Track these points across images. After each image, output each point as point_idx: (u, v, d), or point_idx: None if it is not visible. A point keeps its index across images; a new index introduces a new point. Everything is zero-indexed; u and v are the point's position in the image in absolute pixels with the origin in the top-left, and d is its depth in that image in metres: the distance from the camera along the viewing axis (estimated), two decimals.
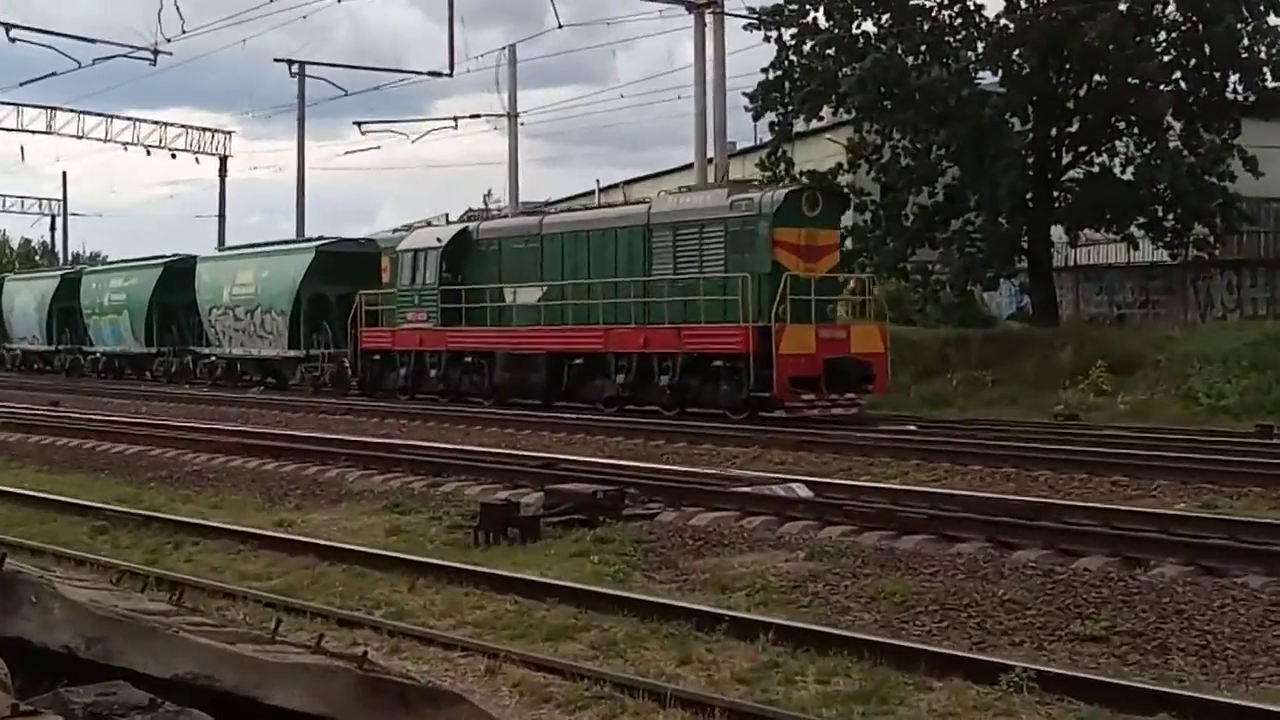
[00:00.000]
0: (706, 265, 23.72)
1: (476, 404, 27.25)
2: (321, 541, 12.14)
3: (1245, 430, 21.08)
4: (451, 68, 31.30)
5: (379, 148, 59.83)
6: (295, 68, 45.17)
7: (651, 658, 8.29)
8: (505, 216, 34.00)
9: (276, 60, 45.45)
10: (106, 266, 48.76)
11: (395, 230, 37.72)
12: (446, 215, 56.10)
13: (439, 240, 28.92)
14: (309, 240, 38.22)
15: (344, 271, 32.93)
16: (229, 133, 58.34)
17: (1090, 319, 36.12)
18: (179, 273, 39.90)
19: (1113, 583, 9.48)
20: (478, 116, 43.93)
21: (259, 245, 39.81)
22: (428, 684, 6.46)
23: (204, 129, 57.48)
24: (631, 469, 15.88)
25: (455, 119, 45.41)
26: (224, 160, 57.28)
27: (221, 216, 57.68)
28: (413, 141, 45.56)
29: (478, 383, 27.89)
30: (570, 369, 25.76)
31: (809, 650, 8.15)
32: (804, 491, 13.75)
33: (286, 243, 39.01)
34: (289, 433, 22.20)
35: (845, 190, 26.12)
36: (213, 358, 37.98)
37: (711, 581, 10.54)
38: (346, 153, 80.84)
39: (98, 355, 44.64)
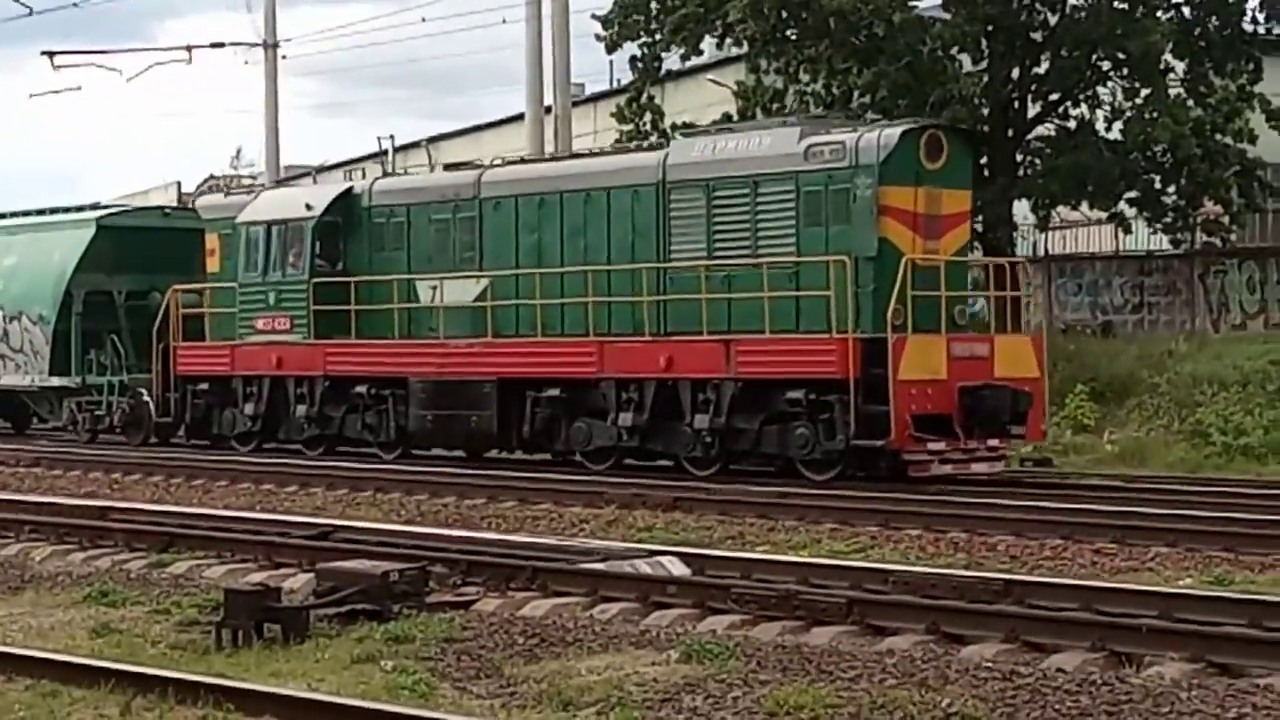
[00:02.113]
0: (764, 244, 21.97)
1: (372, 457, 25.50)
2: None
3: (1272, 478, 21.63)
4: None
5: (79, 88, 58.84)
6: None
7: None
8: (409, 175, 30.09)
9: None
10: None
11: (227, 191, 34.15)
12: (179, 183, 55.84)
13: (309, 207, 26.82)
14: (82, 209, 35.02)
15: (140, 257, 30.72)
16: None
17: (1066, 328, 36.59)
18: None
19: (1095, 688, 9.66)
20: (221, 46, 43.51)
21: (9, 215, 36.41)
22: None
23: None
24: (438, 539, 15.74)
25: (189, 49, 44.87)
26: None
27: None
28: (128, 80, 44.75)
29: (376, 425, 25.76)
30: (536, 405, 23.91)
31: None
32: (678, 568, 13.74)
33: (46, 212, 35.69)
34: None
35: (977, 129, 24.04)
36: None
37: (548, 694, 10.51)
38: (33, 95, 79.28)
39: None
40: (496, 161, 26.94)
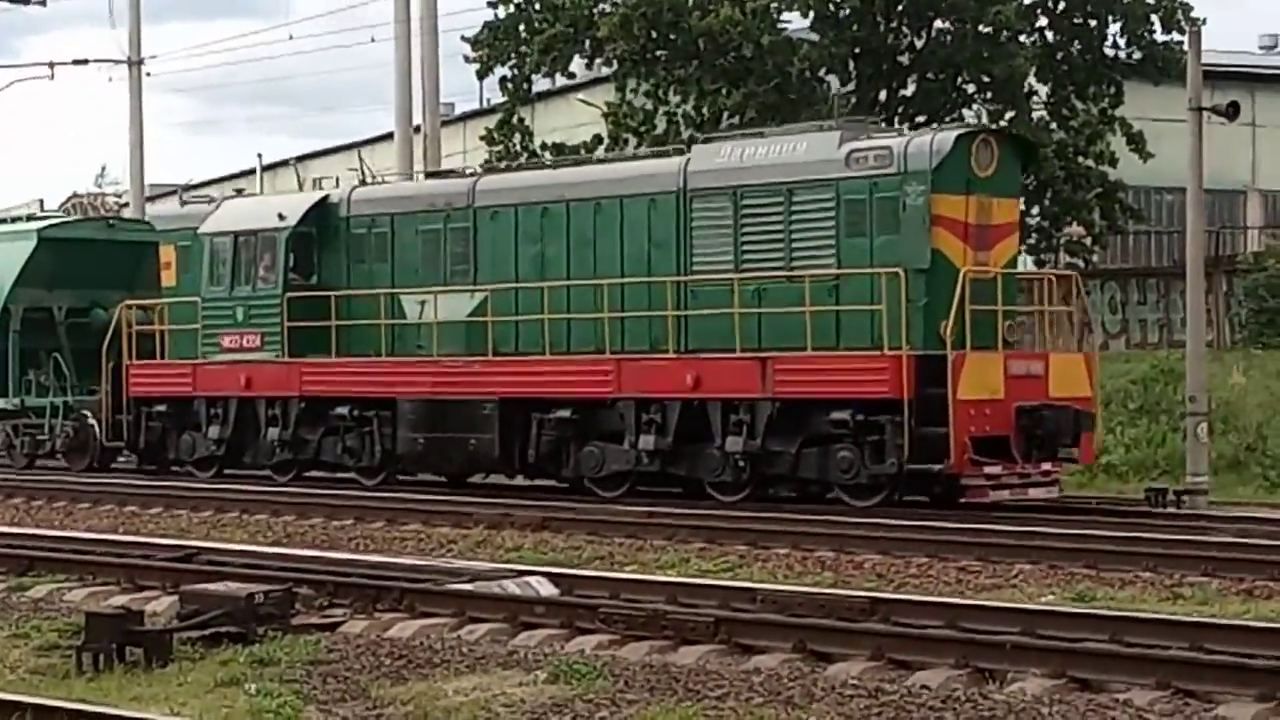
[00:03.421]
0: (800, 255, 20.64)
1: (350, 483, 24.15)
2: None
3: (1133, 496, 21.89)
4: None
5: None
6: None
7: None
8: (390, 183, 28.44)
9: None
10: None
11: (184, 200, 32.28)
12: (41, 201, 55.09)
13: (282, 217, 25.12)
14: (19, 219, 33.43)
15: (85, 271, 29.03)
16: None
17: None
18: None
19: (959, 704, 9.73)
20: (85, 63, 43.01)
21: None
22: None
23: None
24: (305, 561, 15.66)
25: (51, 65, 44.37)
26: None
27: None
28: None
29: (357, 448, 24.18)
30: (543, 427, 22.43)
31: None
32: (546, 588, 13.72)
33: None
34: None
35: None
36: None
37: (416, 716, 10.46)
38: None
39: None
40: (479, 171, 26.34)
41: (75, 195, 57.99)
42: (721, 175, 21.16)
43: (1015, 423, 19.21)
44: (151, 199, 42.10)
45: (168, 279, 26.34)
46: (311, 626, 12.52)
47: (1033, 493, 19.72)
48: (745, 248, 20.90)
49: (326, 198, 25.47)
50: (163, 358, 26.20)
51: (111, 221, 33.26)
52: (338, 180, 27.95)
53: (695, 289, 21.21)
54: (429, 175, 28.98)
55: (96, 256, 29.07)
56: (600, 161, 25.25)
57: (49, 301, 28.94)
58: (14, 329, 28.69)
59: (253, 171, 56.31)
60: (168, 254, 26.44)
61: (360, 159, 29.00)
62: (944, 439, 18.69)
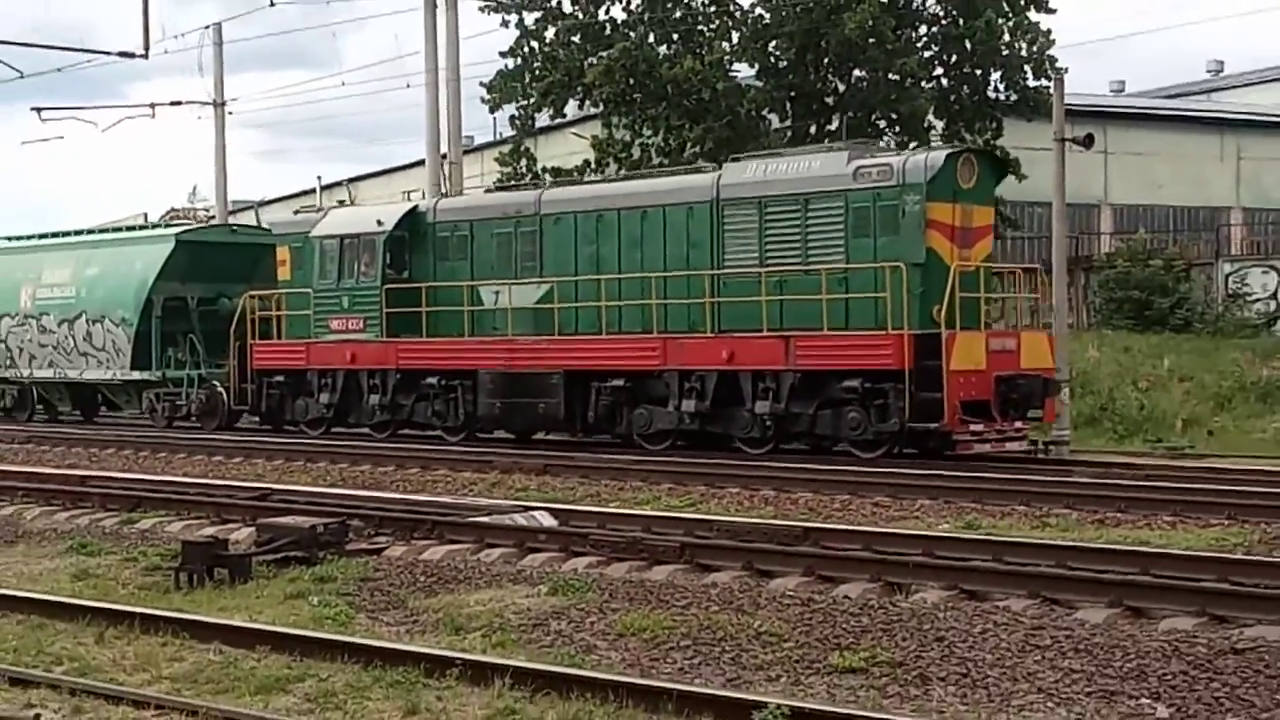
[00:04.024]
0: (814, 253, 20.10)
1: (436, 439, 23.29)
2: None
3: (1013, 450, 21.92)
4: (147, 48, 30.14)
5: (62, 138, 57.90)
6: None
7: (374, 709, 8.18)
8: (468, 195, 28.23)
9: None
10: None
11: (298, 210, 30.79)
12: (145, 214, 54.74)
13: (380, 224, 24.51)
14: (162, 226, 33.05)
15: (212, 268, 28.39)
16: None
17: None
18: None
19: (873, 610, 9.77)
20: (179, 104, 42.74)
21: (76, 233, 33.50)
22: None
23: None
24: (356, 499, 15.66)
25: (152, 106, 44.03)
26: None
27: None
28: (103, 131, 43.93)
29: (444, 411, 23.47)
30: (600, 393, 21.87)
31: (549, 694, 8.15)
32: (547, 520, 13.76)
33: (125, 229, 33.82)
34: None
35: (1004, 153, 21.45)
36: None
37: (444, 621, 10.47)
38: (24, 143, 77.81)
39: None
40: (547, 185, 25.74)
41: (172, 209, 57.61)
42: (748, 188, 20.77)
43: (995, 389, 18.99)
44: (233, 213, 41.79)
45: (283, 274, 25.79)
46: (361, 551, 12.57)
47: (1009, 446, 19.45)
48: (768, 246, 20.46)
49: (416, 207, 24.95)
50: (279, 338, 25.67)
51: (233, 228, 32.61)
52: (421, 193, 28.02)
53: (727, 280, 20.77)
54: (500, 189, 28.45)
55: (221, 256, 28.53)
56: (645, 177, 24.53)
57: (183, 292, 28.39)
58: (156, 315, 28.12)
59: (312, 191, 55.89)
60: (283, 253, 25.84)
61: (349, 190, 28.51)
62: (939, 403, 18.44)
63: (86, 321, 29.17)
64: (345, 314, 24.40)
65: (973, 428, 18.82)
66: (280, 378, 25.39)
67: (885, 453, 19.03)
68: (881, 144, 25.49)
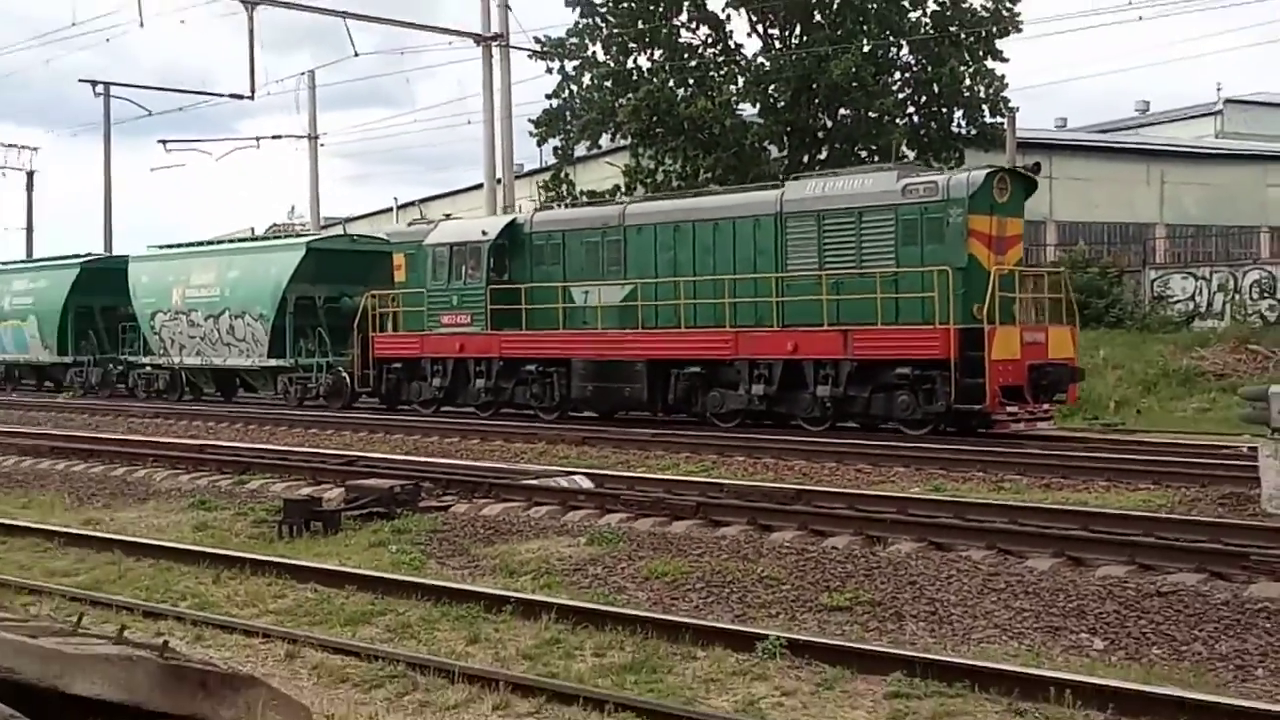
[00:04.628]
0: (868, 258, 19.35)
1: (530, 419, 22.54)
2: (128, 538, 11.68)
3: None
4: (253, 91, 30.19)
5: (184, 165, 58.22)
6: (100, 88, 43.31)
7: (443, 638, 8.21)
8: (558, 209, 27.05)
9: (82, 81, 43.29)
10: (3, 267, 38.99)
11: (411, 222, 30.34)
12: (252, 229, 54.93)
13: (485, 233, 23.84)
14: (296, 235, 32.82)
15: (335, 271, 28.12)
16: (35, 149, 56.09)
17: None
18: (97, 273, 33.45)
19: (856, 559, 9.76)
20: (279, 138, 42.94)
21: (219, 242, 33.64)
22: (228, 669, 6.28)
23: (9, 145, 54.87)
24: (427, 465, 15.66)
25: (258, 139, 44.29)
26: (30, 175, 54.90)
27: (29, 230, 55.15)
28: (217, 160, 44.17)
29: (539, 394, 22.86)
30: (678, 379, 21.12)
31: (588, 627, 8.17)
32: (586, 483, 13.73)
33: (262, 238, 33.93)
34: (97, 435, 21.21)
35: (1031, 171, 20.64)
36: (149, 367, 31.43)
37: (500, 566, 10.50)
38: (152, 169, 78.11)
39: None
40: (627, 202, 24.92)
41: (274, 225, 57.80)
42: (808, 203, 20.02)
43: (1028, 376, 18.25)
44: (324, 227, 41.90)
45: (399, 276, 25.23)
46: (431, 508, 12.58)
47: (1040, 425, 18.93)
48: (826, 253, 19.71)
49: (515, 219, 24.39)
50: (396, 331, 25.14)
51: (353, 237, 32.22)
52: (526, 205, 27.56)
53: (789, 282, 20.01)
54: (589, 203, 27.83)
55: (343, 261, 28.24)
56: (717, 194, 23.72)
57: (312, 292, 28.06)
58: (289, 311, 27.82)
59: (389, 210, 56.15)
60: (399, 259, 25.34)
61: (420, 209, 28.29)
62: (981, 387, 17.82)
63: (229, 317, 28.98)
64: (454, 310, 23.89)
65: (1009, 409, 18.25)
66: (398, 365, 24.96)
67: (931, 430, 18.46)
68: (912, 164, 24.97)
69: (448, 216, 29.76)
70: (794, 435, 19.01)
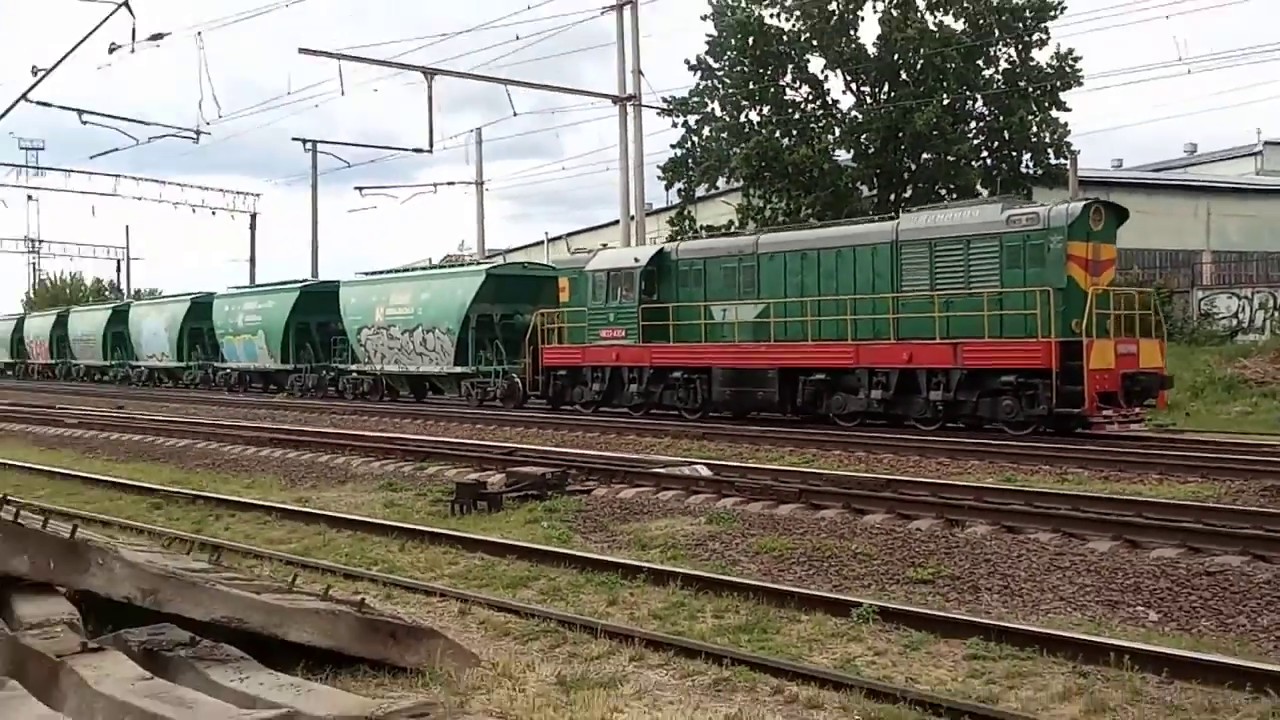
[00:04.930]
0: (975, 280, 18.64)
1: (675, 417, 22.25)
2: (331, 513, 11.98)
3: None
4: (431, 146, 30.76)
5: (376, 207, 59.74)
6: (308, 145, 44.70)
7: (587, 600, 8.27)
8: (700, 239, 26.76)
9: (295, 139, 44.75)
10: (238, 291, 40.17)
11: (574, 251, 30.04)
12: (430, 259, 56.01)
13: (637, 260, 23.68)
14: (477, 264, 32.63)
15: (509, 293, 27.93)
16: (257, 195, 58.08)
17: None
18: (314, 296, 34.41)
19: (938, 539, 9.60)
20: (452, 184, 43.92)
21: (408, 269, 34.04)
22: (412, 622, 6.42)
23: (237, 192, 56.87)
24: (574, 455, 15.77)
25: (435, 185, 45.45)
26: (253, 217, 56.78)
27: (252, 260, 57.02)
28: (402, 203, 45.60)
29: (684, 397, 22.49)
30: (805, 385, 20.56)
31: (708, 593, 8.17)
32: (705, 471, 13.72)
33: (447, 266, 34.43)
34: (305, 428, 21.75)
35: (1122, 205, 19.57)
36: (355, 373, 32.01)
37: (634, 541, 10.54)
38: (350, 211, 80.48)
39: (229, 371, 38.26)
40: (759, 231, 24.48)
41: (447, 255, 58.86)
42: (921, 232, 19.34)
43: (1121, 383, 17.66)
44: (489, 257, 42.59)
45: (563, 297, 25.17)
46: (576, 491, 12.65)
47: (1132, 427, 18.20)
48: (938, 275, 19.02)
49: (663, 249, 24.08)
50: (561, 343, 25.08)
51: (524, 264, 32.50)
52: (655, 239, 27.36)
53: (904, 301, 19.36)
54: (725, 234, 27.46)
55: (516, 285, 28.36)
56: (839, 225, 22.83)
57: (490, 311, 28.15)
58: (471, 327, 27.99)
59: (541, 243, 56.83)
60: (564, 283, 25.27)
61: (567, 243, 28.41)
62: (1080, 394, 17.13)
63: (422, 331, 29.28)
64: (611, 326, 23.75)
65: (1104, 413, 17.47)
66: (563, 372, 24.90)
67: (1032, 431, 17.80)
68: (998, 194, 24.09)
69: (604, 246, 29.81)
70: (884, 432, 18.69)
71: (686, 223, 34.80)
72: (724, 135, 34.03)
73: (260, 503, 12.82)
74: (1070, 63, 31.99)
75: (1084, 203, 18.59)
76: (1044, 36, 32.07)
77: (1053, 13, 31.84)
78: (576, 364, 24.52)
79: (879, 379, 19.45)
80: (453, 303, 28.50)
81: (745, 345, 21.49)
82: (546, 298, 26.24)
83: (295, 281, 36.83)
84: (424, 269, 33.91)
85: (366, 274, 33.24)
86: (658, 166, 35.54)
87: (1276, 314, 29.39)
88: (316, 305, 34.05)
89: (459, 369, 28.26)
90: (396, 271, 33.05)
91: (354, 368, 32.03)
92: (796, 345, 20.71)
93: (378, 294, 31.20)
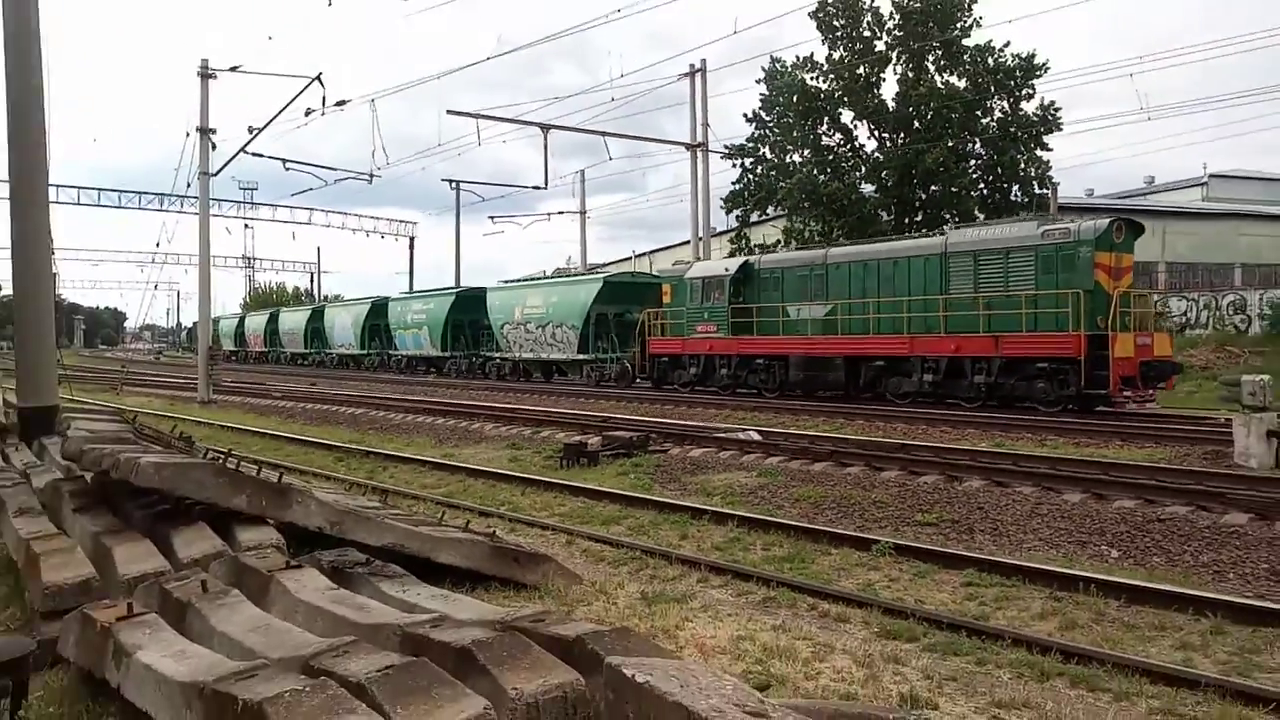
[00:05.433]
0: (1013, 284, 17.72)
1: (755, 395, 21.67)
2: (469, 465, 12.16)
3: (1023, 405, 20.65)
4: (546, 183, 30.89)
5: (503, 231, 60.30)
6: (453, 184, 45.29)
7: (664, 535, 8.30)
8: (779, 252, 25.88)
9: (442, 180, 45.30)
10: (407, 295, 40.47)
11: (675, 263, 28.06)
12: (544, 271, 56.33)
13: (727, 270, 22.97)
14: (596, 274, 32.14)
15: (620, 297, 27.62)
16: (414, 223, 59.06)
17: None
18: (466, 299, 34.58)
19: (941, 491, 9.44)
20: (562, 213, 43.99)
21: (534, 279, 33.99)
22: (531, 549, 6.51)
23: (400, 220, 57.92)
24: (653, 423, 15.80)
25: (549, 215, 45.91)
26: (412, 240, 57.81)
27: (411, 273, 58.10)
28: (523, 228, 46.09)
29: (765, 380, 21.75)
30: (867, 370, 19.85)
31: (758, 530, 8.14)
32: (756, 436, 13.68)
33: (570, 276, 34.56)
34: (450, 401, 21.85)
35: (1139, 221, 18.65)
36: (498, 359, 31.88)
37: (700, 489, 10.54)
38: (485, 235, 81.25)
39: (400, 357, 38.63)
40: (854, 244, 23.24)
41: (558, 268, 59.13)
42: (966, 245, 18.66)
43: (1139, 369, 16.88)
44: (590, 270, 42.67)
45: (666, 299, 24.66)
46: (655, 451, 12.65)
47: (1148, 406, 17.45)
48: (980, 281, 18.38)
49: (747, 261, 23.38)
50: (664, 336, 24.51)
51: (634, 273, 32.35)
52: (718, 255, 26.52)
53: (951, 302, 18.71)
54: (799, 249, 26.73)
55: (627, 289, 28.30)
56: (894, 240, 21.81)
57: (607, 310, 27.99)
58: (591, 323, 27.89)
59: (629, 258, 56.72)
60: (666, 288, 24.79)
61: (649, 259, 28.11)
62: (1105, 378, 16.53)
63: (552, 326, 29.26)
64: (706, 322, 23.24)
65: (1124, 393, 16.82)
66: (665, 359, 24.51)
67: (1061, 409, 17.06)
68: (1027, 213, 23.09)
69: (677, 262, 29.49)
70: (900, 408, 18.39)
71: (743, 242, 34.57)
72: (773, 173, 33.74)
73: (416, 457, 13.05)
74: (1052, 112, 31.12)
75: (1109, 220, 17.78)
76: (1030, 91, 31.28)
77: (1038, 72, 31.12)
78: (677, 353, 24.15)
79: (930, 365, 18.79)
80: (577, 303, 28.46)
81: (817, 338, 20.92)
82: (650, 300, 26.05)
83: (450, 288, 37.26)
84: (547, 278, 34.08)
85: (507, 282, 33.54)
86: (720, 198, 35.33)
87: (1217, 313, 28.36)
88: (468, 306, 34.50)
89: (581, 356, 28.17)
90: (530, 279, 33.42)
91: (497, 355, 32.24)
92: (860, 338, 20.12)
93: (516, 297, 31.39)
